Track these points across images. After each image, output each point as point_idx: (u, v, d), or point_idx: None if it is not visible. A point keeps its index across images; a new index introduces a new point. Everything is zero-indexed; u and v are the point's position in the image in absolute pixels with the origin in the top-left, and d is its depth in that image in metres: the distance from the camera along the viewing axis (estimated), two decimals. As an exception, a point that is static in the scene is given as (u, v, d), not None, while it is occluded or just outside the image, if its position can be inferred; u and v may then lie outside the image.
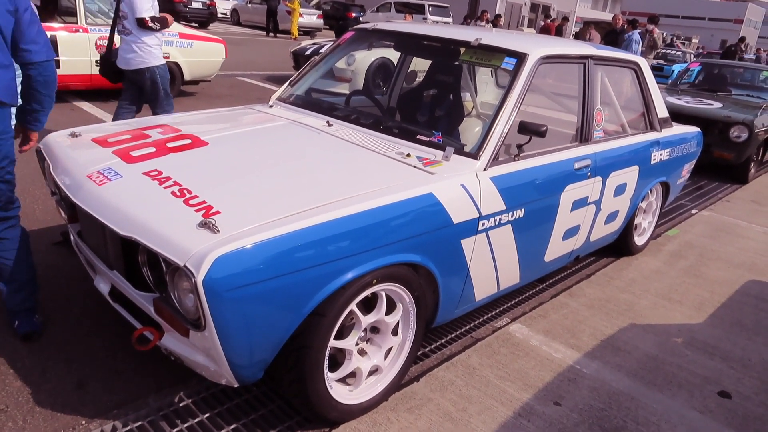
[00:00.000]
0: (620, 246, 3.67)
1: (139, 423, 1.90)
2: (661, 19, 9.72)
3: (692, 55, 18.53)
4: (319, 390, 1.82)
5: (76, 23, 6.08)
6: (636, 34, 8.49)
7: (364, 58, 9.08)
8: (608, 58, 3.08)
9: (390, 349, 2.09)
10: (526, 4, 30.08)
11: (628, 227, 3.57)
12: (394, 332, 2.08)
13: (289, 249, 1.61)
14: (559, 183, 2.61)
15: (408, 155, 2.25)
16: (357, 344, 1.97)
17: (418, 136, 2.39)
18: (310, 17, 20.06)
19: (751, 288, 3.48)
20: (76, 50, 6.04)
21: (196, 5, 17.81)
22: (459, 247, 2.17)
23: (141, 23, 3.99)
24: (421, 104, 2.99)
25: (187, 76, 6.94)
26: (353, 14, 23.19)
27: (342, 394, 1.94)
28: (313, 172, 2.07)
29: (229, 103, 6.92)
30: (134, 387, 2.08)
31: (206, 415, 1.97)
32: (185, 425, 1.91)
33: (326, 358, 1.81)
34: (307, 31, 19.46)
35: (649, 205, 3.78)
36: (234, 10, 21.77)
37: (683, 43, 21.61)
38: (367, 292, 1.87)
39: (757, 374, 2.58)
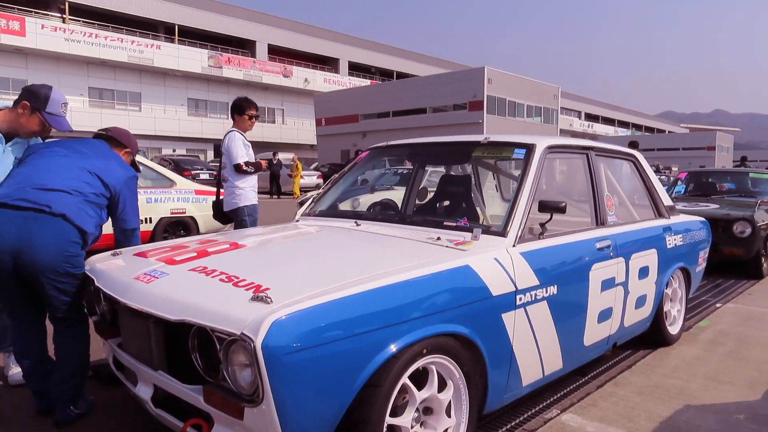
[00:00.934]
0: (655, 336, 3.60)
1: None
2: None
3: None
4: (379, 473, 1.70)
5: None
6: None
7: (368, 201, 9.59)
8: (608, 150, 3.32)
9: (446, 431, 1.98)
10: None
11: (659, 315, 3.53)
12: (448, 413, 1.99)
13: (341, 315, 1.64)
14: (585, 260, 2.67)
15: (438, 238, 2.35)
16: (412, 426, 1.87)
17: (445, 223, 2.50)
18: (311, 178, 21.40)
19: (800, 365, 3.35)
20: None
21: (203, 176, 19.09)
22: (501, 321, 2.17)
23: (237, 168, 4.44)
24: (439, 205, 3.15)
25: (201, 229, 7.25)
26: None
27: (402, 482, 1.81)
28: (351, 256, 2.15)
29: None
30: (175, 503, 1.93)
31: None
32: None
33: (384, 435, 1.72)
34: (308, 191, 20.61)
35: (674, 292, 3.78)
36: (239, 179, 23.21)
37: (666, 170, 22.90)
38: (419, 364, 1.84)
39: (835, 442, 2.40)
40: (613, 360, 3.43)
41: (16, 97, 2.60)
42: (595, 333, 2.82)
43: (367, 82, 43.35)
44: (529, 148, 2.69)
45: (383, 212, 2.87)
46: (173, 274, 2.01)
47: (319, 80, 40.98)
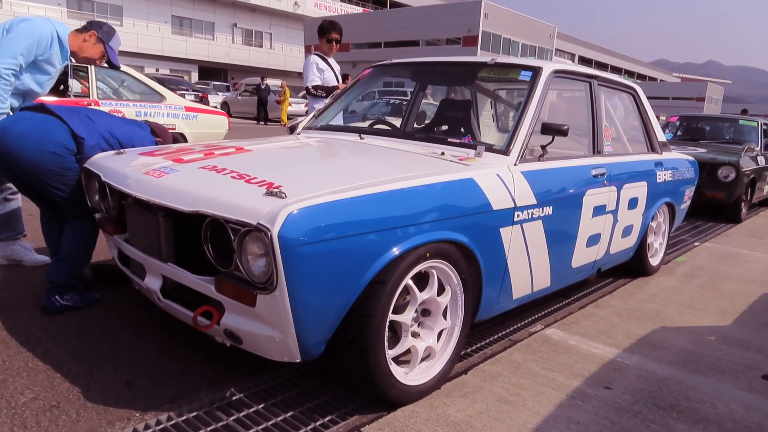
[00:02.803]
0: (636, 266, 3.76)
1: (194, 414, 1.86)
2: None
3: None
4: (380, 363, 1.82)
5: (88, 98, 6.35)
6: None
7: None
8: (610, 81, 3.33)
9: (441, 332, 2.10)
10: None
11: (642, 246, 3.67)
12: (444, 316, 2.10)
13: (352, 212, 1.69)
14: (580, 186, 2.74)
15: (442, 153, 2.39)
16: (411, 325, 1.98)
17: (449, 139, 2.54)
18: (299, 106, 20.94)
19: (768, 299, 3.55)
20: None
21: (189, 97, 18.62)
22: (498, 235, 2.25)
23: (307, 91, 4.52)
24: (442, 123, 3.17)
25: (192, 147, 7.18)
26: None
27: (399, 374, 1.93)
28: (359, 164, 2.19)
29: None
30: (184, 385, 2.05)
31: (260, 406, 1.93)
32: (241, 414, 1.87)
33: (386, 329, 1.83)
34: (296, 117, 20.33)
35: (659, 226, 3.91)
36: (224, 103, 22.70)
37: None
38: (421, 266, 1.92)
39: (794, 363, 2.59)
40: (596, 285, 3.59)
41: None
42: (582, 256, 2.94)
43: (359, 9, 41.80)
44: (536, 71, 2.69)
45: (388, 128, 2.89)
46: (183, 171, 2.03)
47: (310, 4, 39.39)
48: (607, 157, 3.08)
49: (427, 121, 3.65)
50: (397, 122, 3.67)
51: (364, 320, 1.77)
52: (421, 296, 1.97)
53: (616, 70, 58.99)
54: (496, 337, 2.68)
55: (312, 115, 3.28)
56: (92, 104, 6.33)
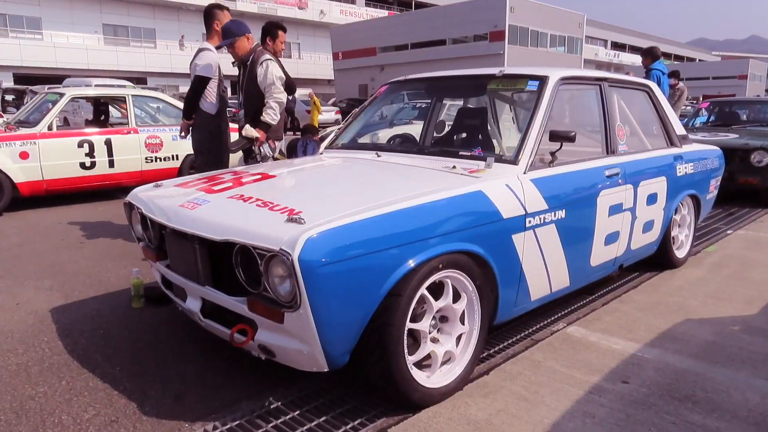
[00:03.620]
0: (662, 259, 3.79)
1: (237, 422, 2.06)
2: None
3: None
4: (401, 368, 1.97)
5: (128, 125, 6.73)
6: (660, 66, 7.22)
7: (387, 134, 9.73)
8: (621, 81, 3.39)
9: (460, 336, 2.24)
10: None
11: (666, 239, 3.70)
12: (462, 321, 2.24)
13: (367, 232, 1.86)
14: (593, 187, 2.83)
15: (453, 167, 2.53)
16: (429, 332, 2.13)
17: (460, 153, 2.67)
18: (329, 114, 21.36)
19: (800, 285, 3.53)
20: (128, 150, 6.63)
21: (223, 114, 19.21)
22: (511, 241, 2.37)
23: None
24: (456, 137, 3.30)
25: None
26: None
27: (421, 378, 2.08)
28: (374, 183, 2.36)
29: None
30: (227, 396, 2.25)
31: (296, 413, 2.11)
32: (279, 421, 2.06)
33: (405, 337, 1.98)
34: (327, 127, 20.66)
35: (683, 218, 3.93)
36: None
37: (693, 101, 22.30)
38: (435, 277, 2.07)
39: (819, 350, 2.61)
40: (620, 281, 3.64)
41: None
42: (601, 254, 3.02)
43: (384, 13, 42.07)
44: (542, 80, 2.79)
45: (402, 144, 3.04)
46: (214, 201, 2.24)
47: (335, 12, 39.91)
48: (622, 156, 3.15)
49: (446, 131, 3.77)
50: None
51: (383, 330, 1.93)
52: (437, 304, 2.11)
53: (651, 52, 57.23)
54: (518, 337, 2.79)
55: (333, 135, 3.46)
56: (131, 132, 6.72)
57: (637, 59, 53.82)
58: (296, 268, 1.71)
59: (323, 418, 2.07)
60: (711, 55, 76.12)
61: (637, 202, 3.20)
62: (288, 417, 2.08)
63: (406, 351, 1.99)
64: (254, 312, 1.97)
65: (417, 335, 2.11)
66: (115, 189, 6.66)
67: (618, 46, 53.12)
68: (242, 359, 2.49)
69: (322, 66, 39.25)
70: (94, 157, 6.34)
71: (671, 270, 3.83)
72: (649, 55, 7.26)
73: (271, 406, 2.16)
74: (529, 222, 2.44)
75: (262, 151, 3.98)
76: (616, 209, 3.02)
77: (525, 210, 2.41)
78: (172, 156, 6.94)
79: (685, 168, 3.70)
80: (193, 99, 4.15)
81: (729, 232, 5.04)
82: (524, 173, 2.50)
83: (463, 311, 2.23)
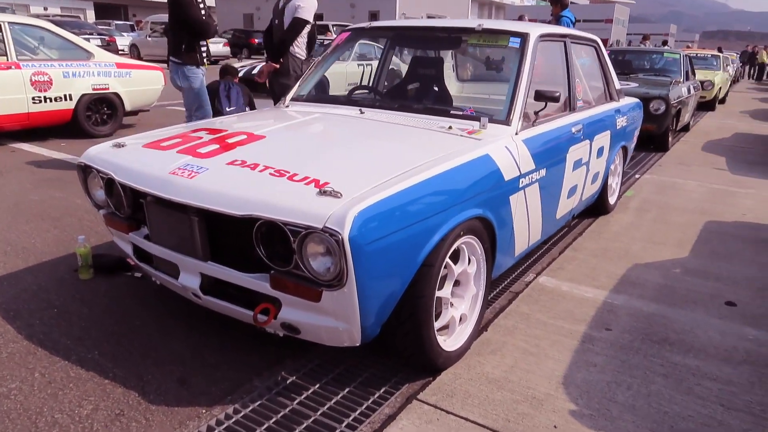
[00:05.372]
0: (599, 207, 4.10)
1: (258, 402, 1.97)
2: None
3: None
4: (431, 336, 1.99)
5: (6, 60, 5.77)
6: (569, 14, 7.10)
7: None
8: (578, 37, 3.49)
9: (472, 297, 2.29)
10: (422, 17, 31.44)
11: (605, 188, 4.00)
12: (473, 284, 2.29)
13: (404, 204, 1.79)
14: (565, 144, 2.95)
15: (450, 127, 2.49)
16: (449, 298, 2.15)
17: (452, 112, 2.63)
18: (217, 45, 19.86)
19: (710, 226, 4.02)
20: (10, 88, 5.72)
21: (95, 42, 17.11)
22: (508, 202, 2.42)
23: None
24: (414, 82, 3.24)
25: (128, 107, 6.76)
26: (256, 40, 23.24)
27: (442, 342, 2.11)
28: (382, 147, 2.26)
29: (176, 130, 6.82)
30: (233, 375, 2.13)
31: (316, 386, 2.06)
32: (302, 397, 2.00)
33: (434, 306, 1.98)
34: (215, 60, 19.23)
35: (615, 167, 4.25)
36: (133, 45, 21.08)
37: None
38: (456, 244, 2.07)
39: (746, 286, 3.02)
40: (566, 228, 3.90)
41: None
42: (564, 207, 3.20)
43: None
44: (524, 37, 2.79)
45: (382, 99, 2.92)
46: (213, 169, 2.01)
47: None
48: (580, 112, 3.30)
49: (397, 81, 3.66)
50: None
51: (416, 301, 1.92)
52: (457, 269, 2.13)
53: (527, -8, 59.16)
54: (498, 290, 2.91)
55: (297, 84, 3.23)
56: (12, 67, 5.78)
57: (515, -2, 55.33)
58: (345, 248, 1.61)
59: (347, 390, 2.05)
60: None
61: (591, 155, 3.40)
62: (309, 391, 2.03)
63: (434, 320, 2.01)
64: (280, 290, 1.85)
65: (438, 302, 2.13)
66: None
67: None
68: (234, 333, 2.37)
69: (200, -10, 35.94)
70: (-35, 97, 5.41)
71: (605, 216, 4.17)
72: (559, 3, 7.49)
73: (287, 381, 2.09)
74: (522, 182, 2.50)
75: None
76: (578, 164, 3.19)
77: (519, 171, 2.46)
78: (65, 96, 6.10)
79: (622, 121, 3.97)
80: (288, 42, 4.20)
81: (637, 176, 5.55)
82: (516, 133, 2.53)
83: (473, 274, 2.27)
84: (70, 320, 2.48)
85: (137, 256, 2.40)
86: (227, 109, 5.12)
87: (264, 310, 1.90)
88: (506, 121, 2.54)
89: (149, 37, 20.75)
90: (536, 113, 2.69)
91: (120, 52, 20.52)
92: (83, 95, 6.24)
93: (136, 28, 25.85)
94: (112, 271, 2.93)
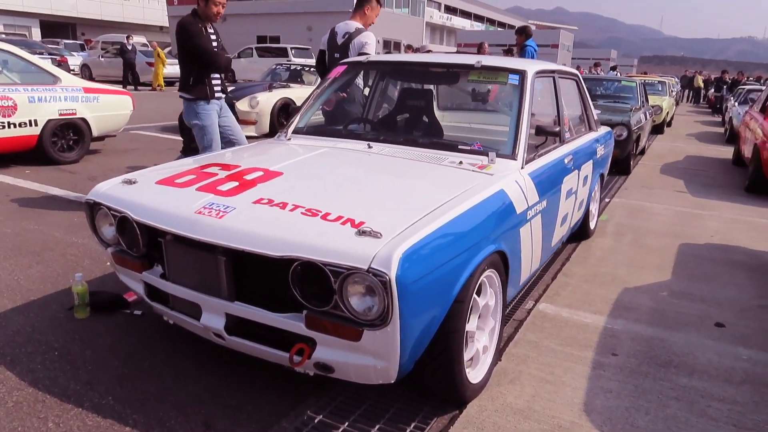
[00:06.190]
0: (581, 232, 4.26)
1: (290, 443, 1.94)
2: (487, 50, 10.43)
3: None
4: (462, 371, 2.02)
5: (-32, 84, 5.53)
6: (532, 44, 7.55)
7: (267, 100, 9.26)
8: (564, 72, 3.66)
9: (491, 330, 2.34)
10: (378, 41, 31.93)
11: (587, 214, 4.17)
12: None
13: (440, 243, 1.84)
14: (561, 176, 3.07)
15: (461, 162, 2.56)
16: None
17: (460, 147, 2.70)
18: (175, 67, 19.48)
19: (684, 249, 4.24)
20: (-29, 114, 5.48)
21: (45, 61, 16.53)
22: (518, 235, 2.50)
23: None
24: (400, 119, 3.32)
25: (95, 132, 6.55)
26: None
27: (469, 375, 2.15)
28: (401, 184, 2.30)
29: (140, 157, 6.68)
30: (258, 416, 2.09)
31: (345, 424, 2.05)
32: (333, 436, 1.99)
33: (464, 340, 2.02)
34: (173, 81, 18.89)
35: (595, 193, 4.43)
36: (84, 65, 20.44)
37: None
38: (481, 278, 2.12)
39: (729, 307, 3.21)
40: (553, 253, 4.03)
41: None
42: (558, 235, 3.32)
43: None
44: (522, 74, 2.91)
45: (386, 133, 2.97)
46: (240, 208, 2.00)
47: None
48: (569, 143, 3.44)
49: (396, 114, 3.70)
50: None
51: (448, 336, 1.95)
52: (481, 302, 2.18)
53: (480, 18, 61.14)
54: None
55: (297, 115, 3.24)
56: (-27, 92, 5.54)
57: (466, 23, 57.15)
58: (392, 288, 1.64)
59: (377, 427, 2.05)
60: (528, 23, 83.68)
61: (578, 184, 3.54)
62: (340, 430, 2.02)
63: (464, 354, 2.04)
64: (316, 330, 1.84)
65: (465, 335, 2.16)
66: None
67: (450, 10, 55.75)
68: (248, 371, 2.33)
69: (152, 10, 35.44)
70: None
71: (586, 240, 4.33)
72: (523, 33, 7.81)
73: (315, 420, 2.07)
74: (529, 214, 2.59)
75: None
76: (569, 193, 3.32)
77: (527, 203, 2.55)
78: (30, 122, 5.88)
79: (601, 150, 4.16)
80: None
81: (607, 200, 5.80)
82: (522, 168, 2.63)
83: (491, 306, 2.33)
84: (75, 363, 2.38)
85: (150, 297, 2.34)
86: None
87: (299, 351, 1.89)
88: (512, 156, 2.64)
89: (101, 57, 20.19)
90: (536, 147, 2.80)
91: (71, 72, 19.93)
92: (49, 120, 6.02)
93: (86, 47, 25.13)
94: (110, 309, 2.83)
